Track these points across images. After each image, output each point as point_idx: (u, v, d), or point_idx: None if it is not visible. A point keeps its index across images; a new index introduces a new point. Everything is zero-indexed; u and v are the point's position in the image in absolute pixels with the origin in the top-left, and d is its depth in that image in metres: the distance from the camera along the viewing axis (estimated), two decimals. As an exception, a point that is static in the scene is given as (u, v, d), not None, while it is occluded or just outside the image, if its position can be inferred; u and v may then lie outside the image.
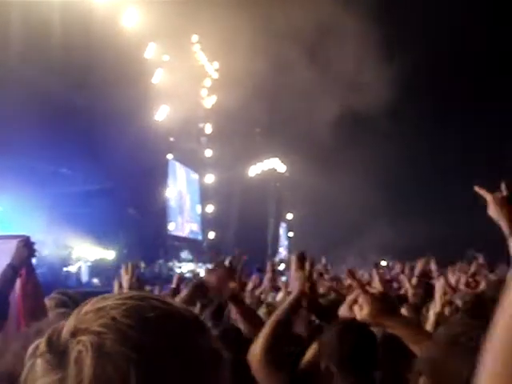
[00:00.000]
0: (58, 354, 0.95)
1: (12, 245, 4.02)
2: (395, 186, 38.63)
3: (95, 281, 23.13)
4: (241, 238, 37.50)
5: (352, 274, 2.89)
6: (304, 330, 4.25)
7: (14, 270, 3.90)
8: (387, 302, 2.66)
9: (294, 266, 3.46)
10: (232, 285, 3.86)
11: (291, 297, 3.32)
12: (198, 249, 37.80)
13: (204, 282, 3.67)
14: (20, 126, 19.26)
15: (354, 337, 2.89)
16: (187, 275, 22.83)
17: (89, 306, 1.01)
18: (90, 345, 0.94)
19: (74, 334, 0.97)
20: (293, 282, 3.47)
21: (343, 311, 2.72)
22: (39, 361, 0.96)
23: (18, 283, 3.97)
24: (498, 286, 6.57)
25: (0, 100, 18.82)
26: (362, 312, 2.58)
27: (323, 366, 2.90)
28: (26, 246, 4.00)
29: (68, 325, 0.99)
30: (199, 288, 3.63)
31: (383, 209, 37.74)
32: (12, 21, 20.51)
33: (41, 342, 0.98)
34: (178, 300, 3.58)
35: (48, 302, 5.88)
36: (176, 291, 7.59)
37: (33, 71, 19.94)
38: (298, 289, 3.29)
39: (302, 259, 3.47)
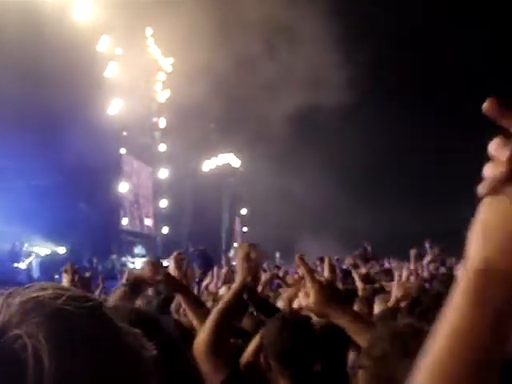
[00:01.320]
0: None
1: None
2: (350, 181, 38.97)
3: (47, 277, 22.80)
4: (195, 233, 37.46)
5: (302, 259, 2.87)
6: (249, 323, 4.23)
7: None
8: (334, 291, 2.64)
9: (239, 255, 3.44)
10: (179, 275, 3.84)
11: (233, 286, 3.31)
12: (151, 244, 37.62)
13: (137, 276, 3.64)
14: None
15: (293, 330, 2.87)
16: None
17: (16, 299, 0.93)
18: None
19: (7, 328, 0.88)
20: (238, 271, 3.44)
21: (280, 303, 2.71)
22: None
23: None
24: (447, 281, 6.66)
25: None
26: (307, 300, 2.55)
27: (263, 358, 2.89)
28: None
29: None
30: (134, 283, 3.60)
31: (338, 205, 38.00)
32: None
33: None
34: (112, 298, 3.56)
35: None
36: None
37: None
38: (240, 278, 3.27)
39: (250, 250, 3.45)
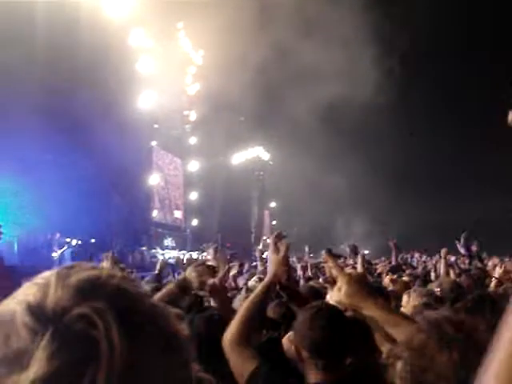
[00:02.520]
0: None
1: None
2: (380, 174, 38.77)
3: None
4: (224, 226, 37.56)
5: (330, 253, 2.88)
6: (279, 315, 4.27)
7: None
8: (365, 283, 2.67)
9: (270, 249, 3.47)
10: (211, 281, 3.90)
11: (265, 280, 3.34)
12: (181, 236, 37.76)
13: (186, 280, 3.68)
14: (5, 114, 19.23)
15: (326, 321, 2.85)
16: (170, 261, 22.76)
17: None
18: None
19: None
20: (269, 265, 3.47)
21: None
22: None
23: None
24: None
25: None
26: (339, 293, 2.58)
27: (294, 349, 2.89)
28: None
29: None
30: (182, 287, 3.64)
31: (367, 197, 37.86)
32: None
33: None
34: (159, 296, 3.59)
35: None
36: (159, 277, 7.68)
37: (17, 59, 19.76)
38: (272, 272, 3.30)
39: (277, 241, 3.48)
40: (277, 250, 3.41)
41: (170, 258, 28.04)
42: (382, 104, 35.88)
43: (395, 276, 7.12)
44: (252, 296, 3.20)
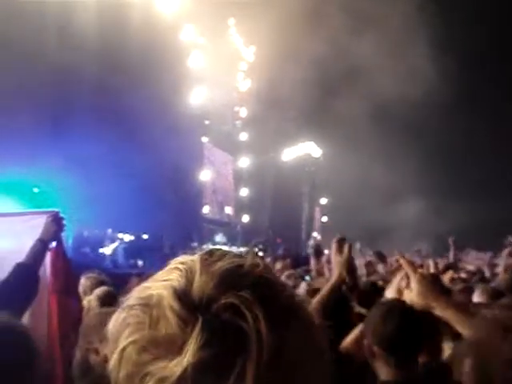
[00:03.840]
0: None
1: (42, 220, 4.04)
2: (433, 172, 38.30)
3: (130, 262, 23.31)
4: (275, 222, 37.58)
5: (402, 255, 2.90)
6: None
7: (42, 244, 3.92)
8: (438, 283, 2.61)
9: (333, 250, 3.46)
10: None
11: (330, 281, 3.34)
12: (232, 232, 37.92)
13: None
14: (60, 112, 19.55)
15: (399, 317, 2.82)
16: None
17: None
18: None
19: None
20: (333, 266, 3.48)
21: (390, 293, 2.70)
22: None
23: (48, 258, 4.00)
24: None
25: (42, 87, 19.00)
26: (411, 292, 2.57)
27: (366, 346, 2.88)
28: (55, 221, 4.02)
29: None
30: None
31: (420, 195, 37.43)
32: (48, 5, 20.65)
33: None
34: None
35: (84, 280, 5.98)
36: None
37: (71, 58, 20.07)
38: (337, 274, 3.29)
39: (341, 244, 3.47)
40: (340, 251, 3.41)
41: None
42: (437, 102, 35.38)
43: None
44: (318, 297, 3.20)
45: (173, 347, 0.82)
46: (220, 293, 0.84)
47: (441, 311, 2.55)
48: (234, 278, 0.87)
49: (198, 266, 0.89)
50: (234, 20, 37.27)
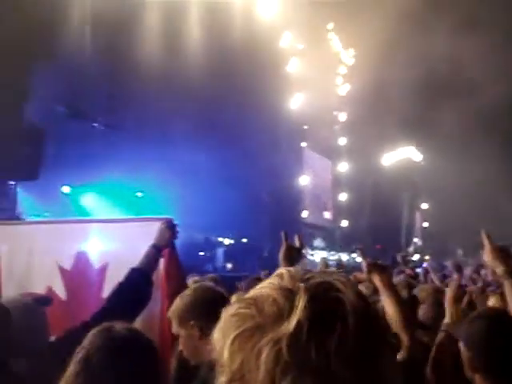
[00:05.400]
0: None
1: (155, 226, 4.18)
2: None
3: (229, 265, 23.56)
4: (374, 227, 37.16)
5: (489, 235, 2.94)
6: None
7: (156, 250, 4.05)
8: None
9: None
10: None
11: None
12: (330, 237, 37.76)
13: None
14: (166, 119, 20.02)
15: (502, 328, 2.72)
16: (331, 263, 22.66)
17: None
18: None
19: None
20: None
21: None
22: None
23: (162, 263, 4.13)
24: None
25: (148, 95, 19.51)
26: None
27: (467, 360, 2.78)
28: (169, 228, 4.14)
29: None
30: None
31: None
32: (152, 13, 21.21)
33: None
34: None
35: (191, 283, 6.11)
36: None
37: (174, 62, 20.51)
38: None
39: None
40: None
41: (320, 259, 28.07)
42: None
43: None
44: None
45: (281, 319, 0.99)
46: (319, 275, 1.07)
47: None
48: (338, 283, 1.05)
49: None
50: (332, 24, 37.19)
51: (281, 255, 3.51)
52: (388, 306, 3.35)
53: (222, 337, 1.03)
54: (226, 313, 1.05)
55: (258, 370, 0.96)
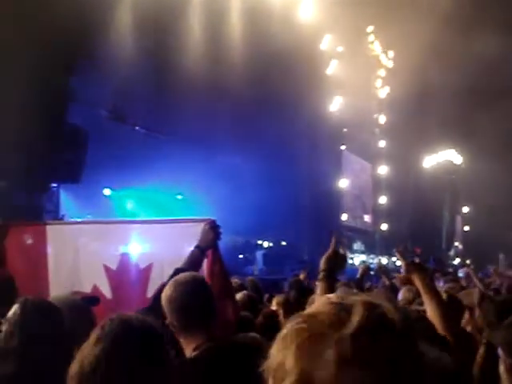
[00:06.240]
0: None
1: (199, 227, 4.22)
2: None
3: (267, 268, 23.55)
4: (414, 231, 36.87)
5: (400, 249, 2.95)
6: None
7: (200, 251, 4.08)
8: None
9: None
10: None
11: None
12: (370, 240, 37.57)
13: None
14: (201, 120, 20.10)
15: None
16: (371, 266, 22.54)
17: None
18: None
19: None
20: None
21: None
22: None
23: (205, 264, 4.16)
24: None
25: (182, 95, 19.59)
26: None
27: (507, 363, 2.70)
28: (212, 229, 4.17)
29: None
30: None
31: None
32: (193, 16, 21.32)
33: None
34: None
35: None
36: (360, 282, 7.65)
37: (215, 66, 20.59)
38: None
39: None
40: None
41: (359, 262, 27.95)
42: None
43: None
44: None
45: (340, 326, 1.09)
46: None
47: None
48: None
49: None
50: (372, 27, 37.02)
51: (324, 258, 3.47)
52: (428, 305, 3.33)
53: (283, 347, 1.13)
54: (286, 327, 1.15)
55: (324, 369, 1.07)
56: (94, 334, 2.02)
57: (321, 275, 3.39)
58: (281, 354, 1.12)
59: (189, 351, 2.95)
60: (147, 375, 1.98)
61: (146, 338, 2.04)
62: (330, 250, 3.52)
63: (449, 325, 3.25)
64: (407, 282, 4.15)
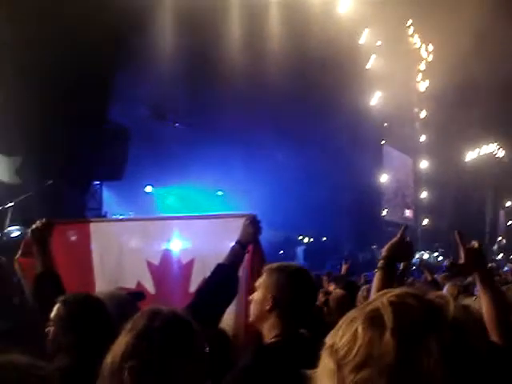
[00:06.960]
0: None
1: (239, 222, 4.25)
2: None
3: (307, 264, 23.53)
4: (456, 226, 36.31)
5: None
6: None
7: (241, 246, 4.10)
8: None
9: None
10: None
11: None
12: (411, 235, 37.22)
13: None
14: (241, 117, 20.15)
15: None
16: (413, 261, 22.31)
17: None
18: None
19: None
20: None
21: None
22: None
23: (247, 259, 4.19)
24: None
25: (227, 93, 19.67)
26: None
27: None
28: (252, 224, 4.18)
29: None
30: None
31: None
32: (232, 13, 21.36)
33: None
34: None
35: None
36: (402, 276, 7.64)
37: (254, 62, 20.61)
38: None
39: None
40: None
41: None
42: None
43: None
44: None
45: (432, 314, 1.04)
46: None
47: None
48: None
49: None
50: (411, 20, 36.70)
51: (389, 245, 3.19)
52: (482, 301, 3.02)
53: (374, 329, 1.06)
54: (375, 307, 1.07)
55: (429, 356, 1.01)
56: (126, 327, 2.08)
57: (380, 263, 3.08)
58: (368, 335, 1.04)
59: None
60: (175, 366, 2.04)
61: (174, 329, 2.09)
62: (396, 237, 3.23)
63: (499, 325, 2.90)
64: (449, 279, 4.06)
